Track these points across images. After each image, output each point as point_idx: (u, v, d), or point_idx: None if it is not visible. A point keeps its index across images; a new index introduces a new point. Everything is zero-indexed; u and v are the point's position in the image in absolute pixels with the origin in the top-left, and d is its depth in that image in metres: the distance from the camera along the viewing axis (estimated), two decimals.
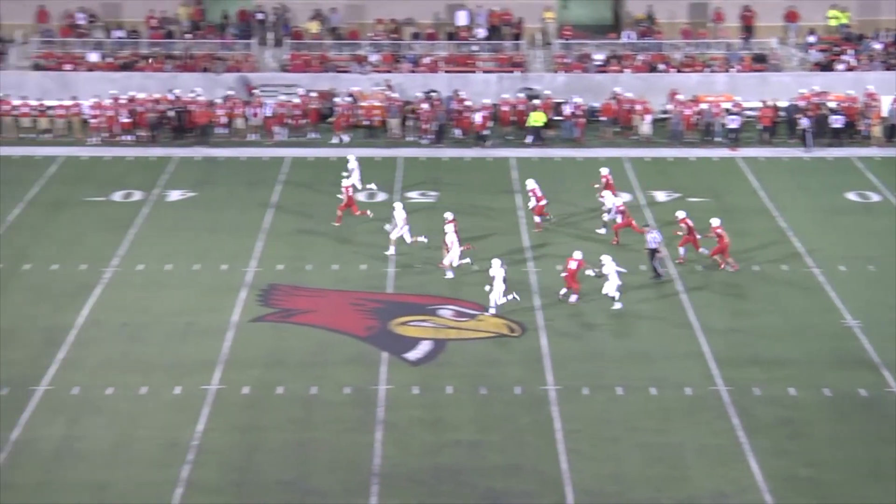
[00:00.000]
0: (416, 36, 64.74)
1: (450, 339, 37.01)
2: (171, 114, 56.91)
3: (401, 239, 43.21)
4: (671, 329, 37.78)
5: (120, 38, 64.18)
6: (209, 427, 31.87)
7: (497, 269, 38.50)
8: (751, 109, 57.43)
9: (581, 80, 60.77)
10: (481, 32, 64.47)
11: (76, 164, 53.27)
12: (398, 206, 43.91)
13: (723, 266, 41.92)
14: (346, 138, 56.45)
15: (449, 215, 42.35)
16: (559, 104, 57.77)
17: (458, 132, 56.89)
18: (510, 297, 38.68)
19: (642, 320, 38.38)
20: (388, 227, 43.47)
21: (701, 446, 31.21)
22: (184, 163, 52.87)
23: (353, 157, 49.62)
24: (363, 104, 58.23)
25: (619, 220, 44.39)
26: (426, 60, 62.30)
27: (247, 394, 33.59)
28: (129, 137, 56.35)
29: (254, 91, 59.12)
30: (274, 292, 40.21)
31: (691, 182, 51.03)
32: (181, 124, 56.83)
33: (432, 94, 58.72)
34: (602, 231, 44.89)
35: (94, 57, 62.37)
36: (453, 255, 41.39)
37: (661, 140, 56.36)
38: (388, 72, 61.63)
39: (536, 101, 57.62)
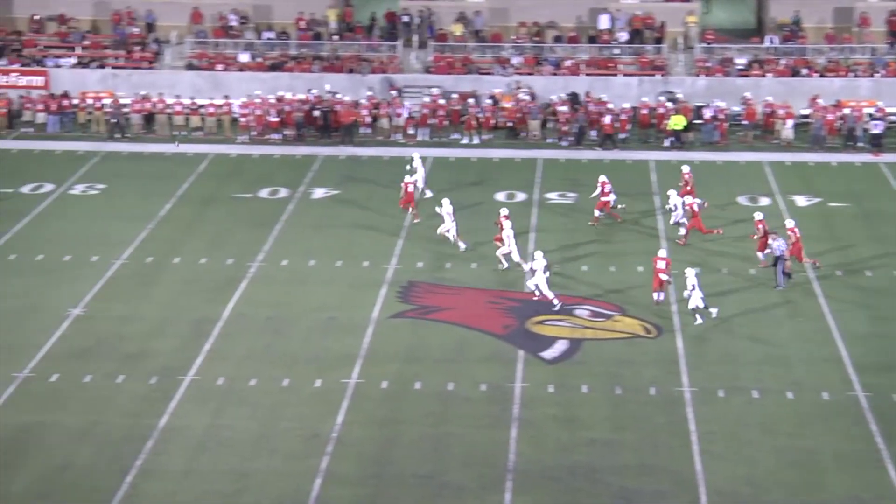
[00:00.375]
0: (557, 39, 65.03)
1: (586, 338, 37.31)
2: (317, 113, 58.00)
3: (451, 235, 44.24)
4: (809, 333, 37.63)
5: (270, 39, 65.51)
6: (348, 420, 32.53)
7: (539, 262, 38.97)
8: (895, 115, 56.82)
9: (722, 84, 60.55)
10: (623, 36, 64.55)
11: (225, 161, 54.57)
12: (446, 202, 44.52)
13: (807, 262, 41.82)
14: (476, 139, 56.96)
15: (504, 211, 42.95)
16: (699, 108, 57.65)
17: (593, 134, 57.11)
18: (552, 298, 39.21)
19: (779, 324, 38.28)
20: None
21: (837, 452, 31.08)
22: (328, 161, 53.88)
23: (417, 156, 50.32)
24: (504, 106, 58.74)
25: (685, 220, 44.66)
26: (567, 63, 62.57)
27: (385, 388, 34.23)
28: (276, 136, 57.60)
29: (392, 92, 59.96)
30: (413, 289, 40.87)
31: (832, 187, 50.63)
32: (327, 124, 57.89)
33: (573, 97, 59.09)
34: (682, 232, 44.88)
35: (244, 57, 63.74)
36: (506, 250, 41.95)
37: (802, 144, 55.95)
38: (530, 74, 62.05)
39: (669, 104, 57.46)
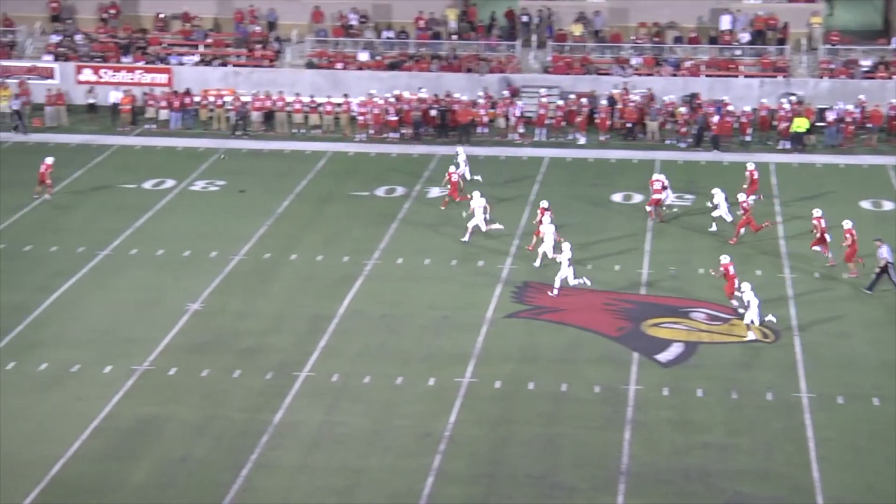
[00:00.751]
0: (678, 39, 64.54)
1: (702, 342, 36.98)
2: (434, 112, 58.18)
3: (477, 228, 44.68)
4: None
5: (389, 38, 65.85)
6: (461, 419, 32.55)
7: (566, 252, 39.17)
8: None
9: (846, 86, 59.62)
10: (745, 37, 63.83)
11: (343, 159, 54.99)
12: (476, 194, 44.79)
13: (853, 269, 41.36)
14: (581, 139, 56.73)
15: (545, 203, 43.32)
16: (822, 110, 56.83)
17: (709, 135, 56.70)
18: (580, 280, 39.23)
19: None
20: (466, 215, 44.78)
21: None
22: (445, 161, 53.99)
23: (461, 149, 51.23)
24: (622, 106, 58.44)
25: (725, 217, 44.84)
26: (687, 64, 62.07)
27: (498, 388, 34.21)
28: (394, 135, 57.88)
29: (504, 92, 59.92)
30: (528, 289, 40.81)
31: None
32: (444, 123, 58.06)
33: (693, 98, 58.68)
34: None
35: (363, 56, 64.16)
36: (545, 247, 42.13)
37: None
38: (649, 75, 61.67)
39: (785, 105, 56.75)
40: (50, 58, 64.97)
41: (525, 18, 66.31)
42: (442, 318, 38.60)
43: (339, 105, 59.30)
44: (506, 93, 59.97)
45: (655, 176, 47.63)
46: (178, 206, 48.98)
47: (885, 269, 40.18)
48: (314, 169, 53.33)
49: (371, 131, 57.96)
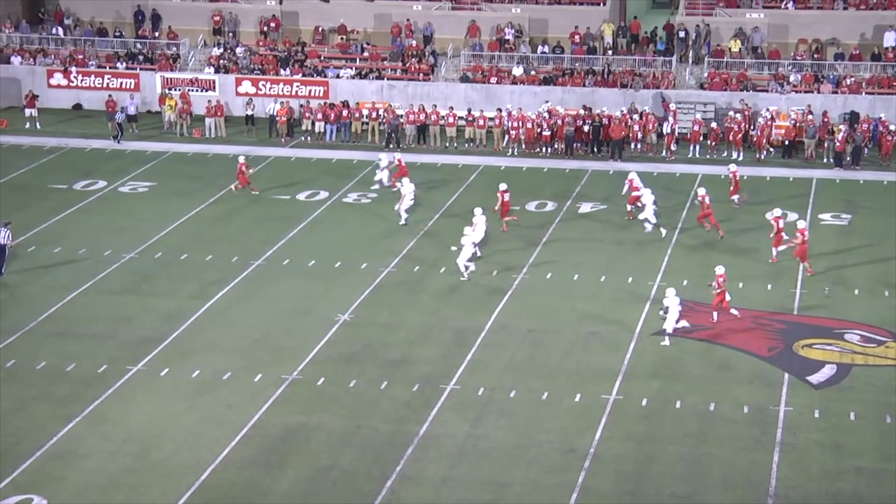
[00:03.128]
0: (839, 56, 63.41)
1: (855, 364, 36.24)
2: (587, 128, 58.02)
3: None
4: None
5: (544, 53, 65.87)
6: (606, 436, 32.34)
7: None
8: None
9: None
10: None
11: (495, 173, 55.06)
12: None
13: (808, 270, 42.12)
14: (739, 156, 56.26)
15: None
16: None
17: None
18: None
19: None
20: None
21: None
22: (596, 176, 53.82)
23: (384, 155, 53.52)
24: (780, 124, 57.64)
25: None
26: (848, 81, 60.96)
27: (645, 405, 33.91)
28: (546, 149, 57.85)
29: (643, 108, 59.48)
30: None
31: None
32: (596, 138, 57.86)
33: (853, 116, 57.67)
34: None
35: (517, 71, 64.28)
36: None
37: None
38: (808, 92, 60.73)
39: None
40: (211, 70, 66.33)
41: (682, 34, 65.81)
42: (589, 334, 38.44)
43: (492, 119, 59.44)
44: (646, 108, 59.33)
45: (631, 175, 48.82)
46: (331, 218, 49.57)
47: None
48: (466, 182, 53.50)
49: (523, 146, 57.99)
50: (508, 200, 47.55)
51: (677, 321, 37.95)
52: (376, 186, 52.68)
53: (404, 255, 45.04)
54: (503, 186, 47.83)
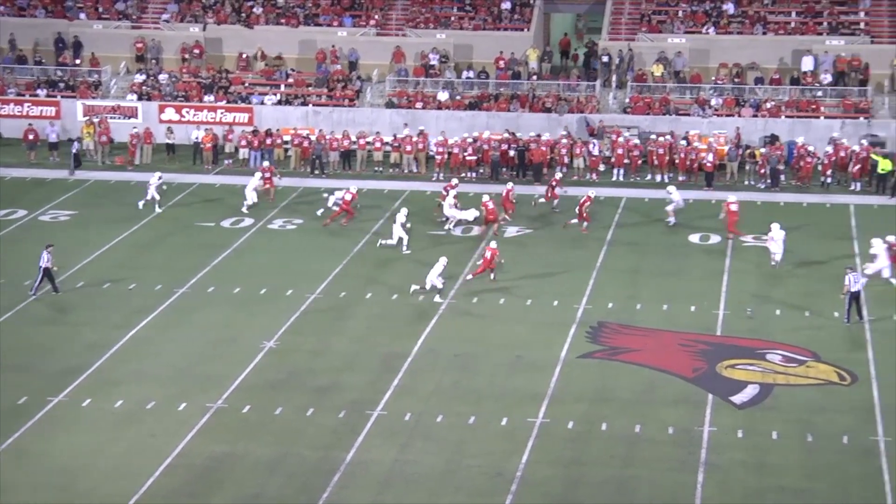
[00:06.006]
0: (759, 80, 64.21)
1: (777, 384, 36.60)
2: (512, 153, 58.30)
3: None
4: None
5: (469, 78, 66.15)
6: (533, 459, 32.37)
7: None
8: None
9: None
10: (826, 78, 63.39)
11: (420, 198, 55.13)
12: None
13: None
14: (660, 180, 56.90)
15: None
16: None
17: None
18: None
19: None
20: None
21: None
22: (522, 200, 53.99)
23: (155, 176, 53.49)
24: (699, 147, 58.17)
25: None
26: (768, 105, 61.71)
27: (571, 428, 33.99)
28: (472, 174, 58.02)
29: (562, 131, 59.94)
30: (603, 330, 40.66)
31: None
32: (522, 162, 58.14)
33: (773, 139, 58.42)
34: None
35: (443, 96, 64.50)
36: None
37: None
38: (730, 115, 61.41)
39: (854, 148, 56.29)
40: (133, 97, 65.97)
41: (606, 59, 66.34)
42: (516, 358, 38.53)
43: (416, 144, 59.47)
44: (564, 131, 59.79)
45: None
46: (256, 245, 49.41)
47: (854, 297, 40.37)
48: (391, 208, 53.47)
49: (448, 171, 58.09)
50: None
51: None
52: (322, 211, 52.60)
53: (330, 281, 44.95)
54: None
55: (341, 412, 34.95)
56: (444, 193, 51.41)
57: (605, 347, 39.31)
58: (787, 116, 61.11)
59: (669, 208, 50.59)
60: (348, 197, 51.17)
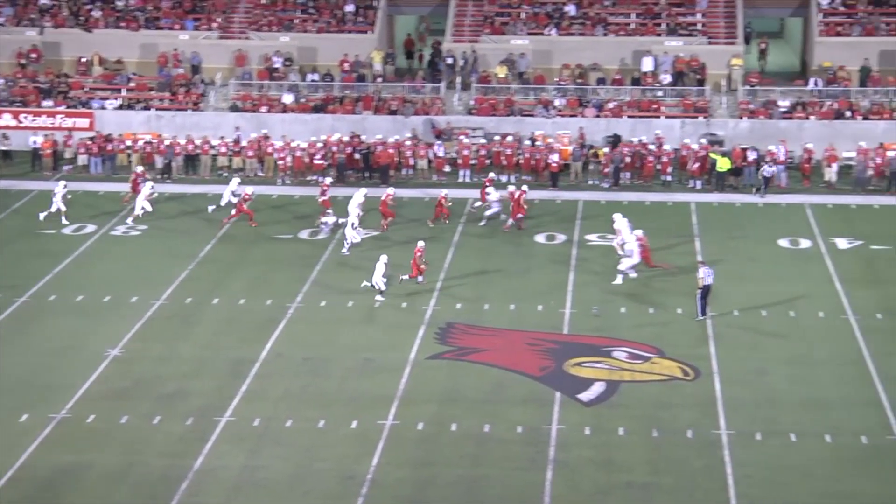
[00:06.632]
0: (601, 81, 65.09)
1: (623, 380, 37.14)
2: (358, 155, 58.23)
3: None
4: (848, 377, 37.30)
5: (314, 81, 65.92)
6: (384, 461, 32.46)
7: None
8: None
9: (765, 127, 60.39)
10: (666, 78, 64.53)
11: (267, 202, 54.78)
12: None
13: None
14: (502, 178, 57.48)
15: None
16: (745, 150, 57.32)
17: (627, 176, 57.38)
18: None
19: (818, 366, 38.00)
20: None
21: (876, 497, 30.72)
22: (368, 203, 53.91)
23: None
24: (543, 147, 58.68)
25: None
26: (610, 105, 62.59)
27: (421, 430, 34.13)
28: (319, 178, 57.71)
29: (408, 133, 60.15)
30: (451, 331, 40.84)
31: (874, 229, 50.29)
32: (367, 165, 58.11)
33: (616, 139, 59.25)
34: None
35: (288, 99, 64.18)
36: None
37: (845, 187, 55.69)
38: (573, 116, 62.12)
39: (693, 146, 57.46)
40: None
41: (450, 60, 66.64)
42: (365, 361, 38.51)
43: (262, 148, 59.01)
44: (408, 133, 59.98)
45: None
46: (99, 251, 48.59)
47: (705, 292, 41.08)
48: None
49: (294, 175, 57.63)
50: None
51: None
52: (213, 207, 52.44)
53: (176, 287, 44.43)
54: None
55: (189, 419, 34.61)
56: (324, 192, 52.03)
57: (454, 348, 39.50)
58: (629, 116, 62.00)
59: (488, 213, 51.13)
60: (245, 195, 51.09)
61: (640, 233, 44.73)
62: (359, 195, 50.26)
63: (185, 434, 33.81)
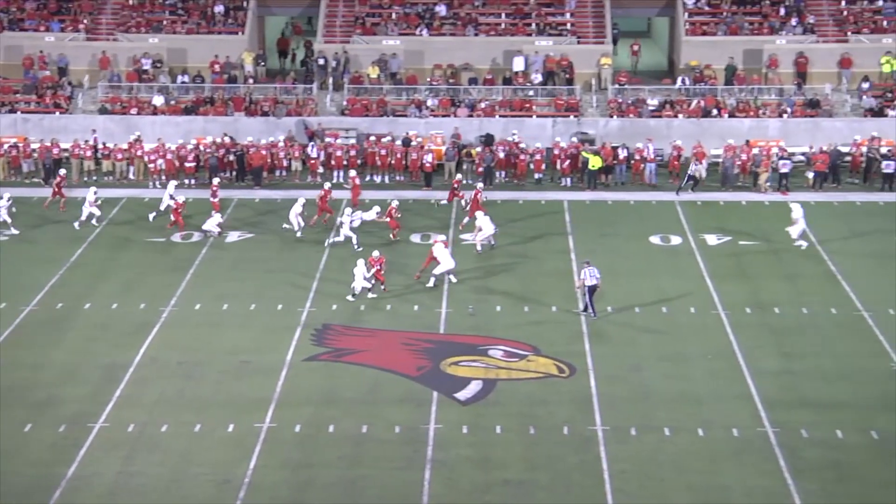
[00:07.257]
0: (473, 81, 65.42)
1: (500, 378, 37.38)
2: (231, 157, 57.84)
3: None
4: (719, 371, 37.92)
5: (184, 83, 65.31)
6: (261, 464, 32.30)
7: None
8: (802, 154, 58.36)
9: (634, 125, 61.21)
10: (537, 78, 65.07)
11: (139, 205, 54.16)
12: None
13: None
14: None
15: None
16: (615, 148, 58.03)
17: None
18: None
19: (691, 362, 38.58)
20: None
21: (748, 488, 31.29)
22: (242, 205, 53.71)
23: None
24: (417, 147, 58.86)
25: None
26: (483, 105, 62.94)
27: (299, 432, 34.04)
28: (192, 181, 57.22)
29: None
30: (328, 332, 40.77)
31: (742, 226, 51.24)
32: (241, 167, 57.74)
33: (489, 138, 59.57)
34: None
35: (158, 101, 63.50)
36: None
37: (713, 184, 56.63)
38: (446, 116, 62.34)
39: (562, 144, 58.12)
40: None
41: (322, 61, 66.47)
42: (241, 364, 38.29)
43: (131, 151, 58.28)
44: (280, 136, 59.78)
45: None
46: None
47: (591, 291, 41.60)
48: (108, 216, 52.31)
49: (164, 178, 56.91)
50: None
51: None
52: (154, 214, 51.97)
53: (47, 292, 43.76)
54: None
55: (61, 426, 34.14)
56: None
57: (331, 349, 39.44)
58: (501, 116, 62.39)
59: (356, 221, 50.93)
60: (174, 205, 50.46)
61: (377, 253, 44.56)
62: (297, 205, 49.76)
63: (57, 441, 33.33)
